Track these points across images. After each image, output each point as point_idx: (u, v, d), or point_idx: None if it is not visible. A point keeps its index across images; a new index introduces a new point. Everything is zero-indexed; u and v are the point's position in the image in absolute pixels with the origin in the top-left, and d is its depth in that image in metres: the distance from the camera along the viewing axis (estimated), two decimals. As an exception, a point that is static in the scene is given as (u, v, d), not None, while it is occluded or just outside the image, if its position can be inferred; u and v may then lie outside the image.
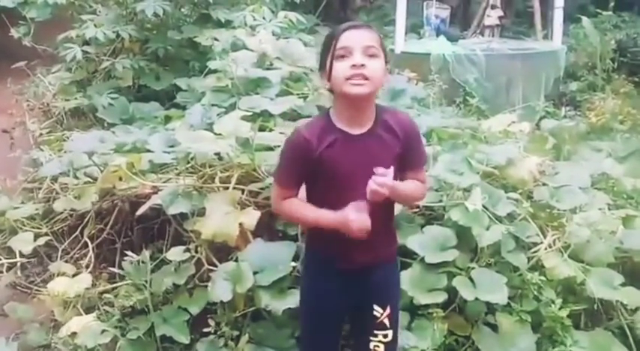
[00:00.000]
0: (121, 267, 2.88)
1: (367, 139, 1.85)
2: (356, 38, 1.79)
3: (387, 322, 1.99)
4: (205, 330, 2.58)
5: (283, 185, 1.95)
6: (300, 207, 1.93)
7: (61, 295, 2.83)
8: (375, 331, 1.99)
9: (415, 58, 5.88)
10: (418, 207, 2.84)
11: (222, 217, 2.68)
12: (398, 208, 2.64)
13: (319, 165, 1.85)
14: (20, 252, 3.21)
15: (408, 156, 1.91)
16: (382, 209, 1.89)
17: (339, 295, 1.97)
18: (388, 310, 1.99)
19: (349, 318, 2.10)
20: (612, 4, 7.23)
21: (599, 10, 7.26)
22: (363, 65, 1.76)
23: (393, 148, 1.87)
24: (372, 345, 1.99)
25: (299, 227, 2.67)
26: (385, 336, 1.99)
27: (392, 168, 1.79)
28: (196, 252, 2.75)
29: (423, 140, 2.02)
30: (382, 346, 1.99)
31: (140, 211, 2.93)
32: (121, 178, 3.02)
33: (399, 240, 2.59)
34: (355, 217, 1.80)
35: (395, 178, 1.81)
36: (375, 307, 1.98)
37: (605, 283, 2.60)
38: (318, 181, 1.89)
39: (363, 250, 1.91)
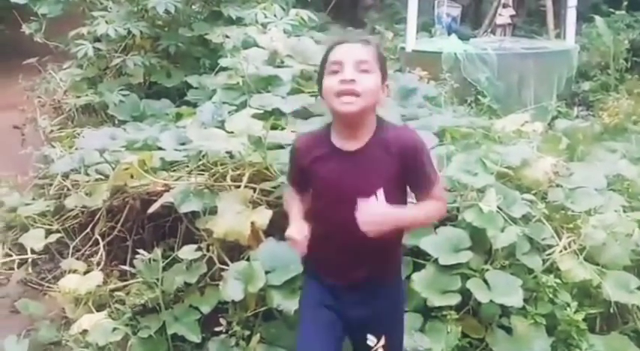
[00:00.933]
0: (132, 265, 2.88)
1: (358, 157, 1.78)
2: (348, 52, 1.75)
3: None
4: (217, 329, 2.57)
5: (289, 183, 2.04)
6: (290, 203, 1.99)
7: (72, 292, 2.83)
8: None
9: (426, 57, 5.85)
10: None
11: (234, 215, 2.67)
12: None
13: (307, 174, 1.87)
14: (31, 249, 3.22)
15: (410, 177, 1.80)
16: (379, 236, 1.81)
17: (330, 305, 1.91)
18: (383, 341, 1.79)
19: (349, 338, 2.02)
20: (625, 3, 7.16)
21: (612, 10, 7.19)
22: (352, 80, 1.70)
23: (387, 167, 1.77)
24: None
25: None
26: None
27: (381, 190, 1.70)
28: (208, 250, 2.74)
29: (432, 158, 1.86)
30: None
31: (152, 209, 2.92)
32: (132, 176, 3.01)
33: (412, 241, 2.60)
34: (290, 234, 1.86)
35: (392, 200, 1.72)
36: (369, 336, 1.82)
37: (621, 286, 2.57)
38: (309, 188, 1.91)
39: (354, 269, 1.86)
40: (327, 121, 1.90)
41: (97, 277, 2.91)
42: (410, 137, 1.82)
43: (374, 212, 1.69)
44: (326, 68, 1.76)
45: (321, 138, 1.86)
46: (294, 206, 1.96)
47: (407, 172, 1.79)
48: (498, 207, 2.63)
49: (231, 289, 2.54)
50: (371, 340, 1.79)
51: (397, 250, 1.98)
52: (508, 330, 2.51)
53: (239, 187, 2.86)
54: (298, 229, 1.85)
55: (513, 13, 7.18)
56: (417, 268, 2.58)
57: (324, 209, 1.86)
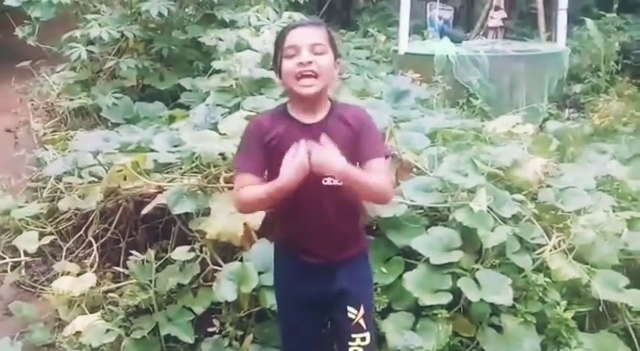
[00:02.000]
0: (125, 266, 2.90)
1: (318, 128, 1.87)
2: (303, 37, 1.85)
3: (362, 323, 1.97)
4: (210, 330, 2.59)
5: (243, 170, 1.93)
6: (254, 188, 1.89)
7: (65, 294, 2.84)
8: (353, 336, 1.97)
9: (419, 59, 5.89)
10: (422, 207, 2.83)
11: (227, 216, 2.68)
12: (403, 208, 2.68)
13: (270, 149, 1.89)
14: (25, 251, 3.23)
15: (362, 147, 1.90)
16: (345, 203, 1.91)
17: (305, 289, 1.97)
18: (362, 310, 1.97)
19: (330, 323, 2.08)
20: (616, 6, 7.22)
21: (602, 12, 7.25)
22: (310, 62, 1.81)
23: (345, 138, 1.87)
24: (351, 350, 1.97)
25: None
26: (363, 339, 1.97)
27: (343, 158, 1.79)
28: (201, 252, 2.75)
29: (379, 133, 2.01)
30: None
31: (145, 211, 2.93)
32: (125, 178, 3.02)
33: (403, 241, 2.64)
34: (288, 160, 1.77)
35: None
36: (349, 308, 1.96)
37: (610, 285, 2.59)
38: (270, 166, 1.90)
39: (325, 244, 1.93)
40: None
41: (90, 278, 2.92)
42: (363, 112, 1.98)
43: (326, 153, 1.76)
44: (283, 52, 1.85)
45: (280, 114, 1.93)
46: (261, 185, 1.89)
47: (361, 142, 1.90)
48: (489, 207, 2.66)
49: (225, 290, 2.55)
50: (351, 312, 1.94)
51: (360, 228, 2.06)
52: (498, 328, 2.52)
53: (232, 188, 2.87)
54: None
55: (505, 15, 7.23)
56: (409, 267, 2.60)
57: None
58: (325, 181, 1.87)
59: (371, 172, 1.88)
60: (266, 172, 1.93)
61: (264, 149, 1.90)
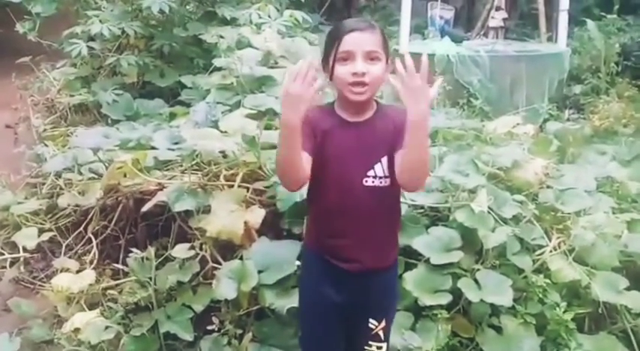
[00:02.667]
0: (125, 263, 2.89)
1: (362, 127, 1.87)
2: (359, 43, 1.80)
3: (381, 334, 1.98)
4: (209, 328, 2.59)
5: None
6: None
7: (64, 290, 2.82)
8: (370, 342, 1.98)
9: (419, 59, 5.85)
10: (422, 207, 2.83)
11: (228, 215, 2.68)
12: (404, 208, 2.68)
13: (317, 143, 1.86)
14: (24, 247, 3.22)
15: (400, 138, 1.83)
16: (386, 206, 1.89)
17: (334, 296, 1.94)
18: (383, 323, 1.98)
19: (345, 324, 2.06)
20: (617, 7, 7.21)
21: (603, 13, 7.23)
22: (363, 73, 1.78)
23: (390, 136, 1.85)
24: None
25: (304, 226, 2.66)
26: (379, 348, 1.98)
27: (385, 158, 1.82)
28: (201, 249, 2.75)
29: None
30: None
31: (145, 208, 2.93)
32: (125, 175, 3.02)
33: (403, 241, 2.62)
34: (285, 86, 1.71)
35: (389, 170, 1.84)
36: (371, 320, 1.96)
37: (609, 286, 2.60)
38: (314, 162, 1.88)
39: (361, 250, 1.89)
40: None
41: (89, 275, 2.90)
42: (404, 110, 1.89)
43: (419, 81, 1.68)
44: (336, 55, 1.81)
45: (328, 111, 1.91)
46: None
47: (399, 134, 1.82)
48: (489, 207, 2.66)
49: (224, 288, 2.55)
50: (372, 323, 1.94)
51: (395, 237, 2.04)
52: (498, 329, 2.53)
53: (232, 186, 2.87)
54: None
55: (506, 16, 7.22)
56: (409, 267, 2.60)
57: (333, 180, 1.87)
58: (366, 181, 1.85)
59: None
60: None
61: (313, 139, 1.85)
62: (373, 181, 1.85)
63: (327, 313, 1.97)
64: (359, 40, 1.80)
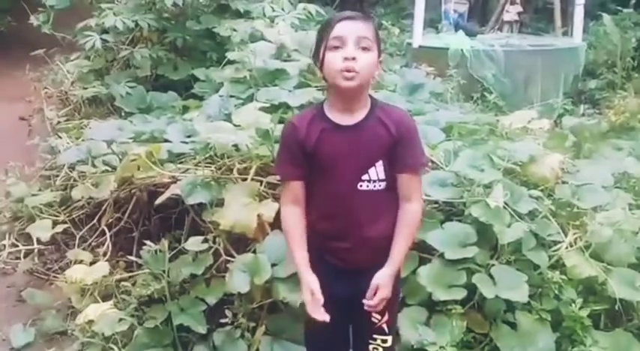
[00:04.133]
0: (138, 256, 2.90)
1: (356, 131, 1.84)
2: (350, 29, 1.78)
3: (385, 327, 1.98)
4: (222, 321, 2.58)
5: (288, 179, 1.93)
6: (292, 226, 1.92)
7: (78, 282, 2.84)
8: (375, 336, 1.98)
9: (433, 53, 5.84)
10: (437, 202, 2.81)
11: (241, 208, 2.67)
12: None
13: (308, 153, 1.85)
14: (38, 239, 3.24)
15: (402, 154, 1.85)
16: (380, 209, 1.88)
17: (337, 291, 1.93)
18: (387, 317, 1.97)
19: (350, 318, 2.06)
20: (633, 1, 7.12)
21: (619, 8, 7.15)
22: (354, 58, 1.76)
23: (384, 142, 1.83)
24: (371, 347, 1.99)
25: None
26: (384, 341, 1.98)
27: (380, 162, 1.82)
28: (214, 243, 2.75)
29: (420, 141, 1.93)
30: (381, 350, 1.99)
31: (159, 201, 2.93)
32: (139, 167, 3.02)
33: (418, 235, 2.60)
34: (310, 301, 1.87)
35: (386, 174, 1.83)
36: (374, 314, 1.95)
37: (626, 283, 2.57)
38: (307, 171, 1.89)
39: (357, 253, 1.90)
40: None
41: (103, 267, 2.92)
42: (405, 116, 1.92)
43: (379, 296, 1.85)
44: (327, 43, 1.79)
45: (316, 115, 1.88)
46: (297, 227, 1.91)
47: (401, 149, 1.84)
48: (505, 203, 2.63)
49: (237, 281, 2.54)
50: (375, 317, 1.95)
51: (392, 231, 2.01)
52: (513, 325, 2.51)
53: (246, 179, 2.86)
54: (312, 287, 1.86)
55: (521, 9, 7.16)
56: (423, 262, 2.58)
57: (327, 186, 1.86)
58: (361, 186, 1.84)
59: (402, 191, 1.86)
60: None
61: (304, 149, 1.85)
62: (368, 185, 1.84)
63: (331, 308, 1.94)
64: (351, 26, 1.80)
